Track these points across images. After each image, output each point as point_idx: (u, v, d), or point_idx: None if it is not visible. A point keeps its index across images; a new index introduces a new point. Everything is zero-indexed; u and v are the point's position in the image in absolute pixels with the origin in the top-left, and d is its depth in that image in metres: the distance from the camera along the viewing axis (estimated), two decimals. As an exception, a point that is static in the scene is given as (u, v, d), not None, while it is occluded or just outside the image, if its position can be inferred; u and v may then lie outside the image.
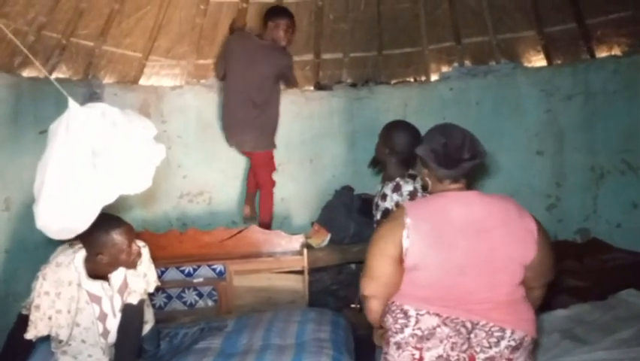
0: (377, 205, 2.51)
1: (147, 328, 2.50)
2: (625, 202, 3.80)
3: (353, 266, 3.87)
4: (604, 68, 3.81)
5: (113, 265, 2.14)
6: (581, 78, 3.87)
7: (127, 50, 3.73)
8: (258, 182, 3.82)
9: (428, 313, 1.61)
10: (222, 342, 2.59)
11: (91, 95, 3.51)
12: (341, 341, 2.56)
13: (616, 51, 3.85)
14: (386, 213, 2.40)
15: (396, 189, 2.43)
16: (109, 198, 1.73)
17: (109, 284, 2.19)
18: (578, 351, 2.35)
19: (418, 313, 1.62)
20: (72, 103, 1.66)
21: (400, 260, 1.63)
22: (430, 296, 1.62)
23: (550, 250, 1.69)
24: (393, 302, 1.69)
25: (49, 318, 2.07)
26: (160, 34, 3.75)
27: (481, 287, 1.61)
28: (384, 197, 2.46)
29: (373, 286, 1.70)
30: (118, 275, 2.21)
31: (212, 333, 2.70)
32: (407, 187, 2.43)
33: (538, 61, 4.07)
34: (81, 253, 2.12)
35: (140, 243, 2.26)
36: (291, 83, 3.86)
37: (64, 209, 1.69)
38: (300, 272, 3.38)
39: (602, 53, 3.90)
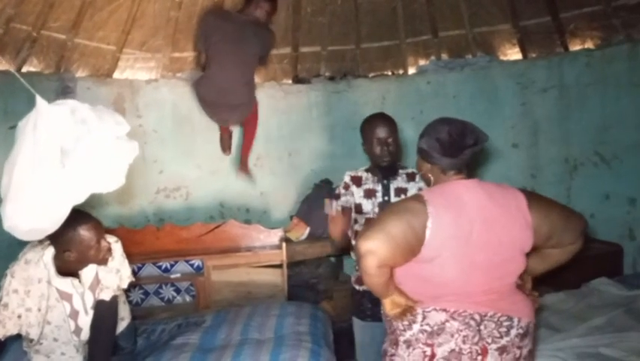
0: (388, 203, 2.33)
1: (124, 324, 2.46)
2: (598, 193, 3.88)
3: (332, 259, 3.89)
4: (577, 61, 3.88)
5: (82, 262, 2.09)
6: (555, 71, 3.92)
7: (100, 42, 3.66)
8: (245, 136, 3.85)
9: (435, 309, 1.57)
10: (200, 337, 2.57)
11: (63, 89, 3.44)
12: (320, 334, 2.56)
13: (589, 44, 3.91)
14: None
15: (411, 178, 2.38)
16: (79, 198, 1.68)
17: (79, 281, 2.14)
18: (553, 339, 2.39)
19: (424, 311, 1.57)
20: (40, 100, 1.61)
21: (416, 248, 1.54)
22: (439, 293, 1.57)
23: (553, 211, 1.66)
24: None
25: (19, 317, 2.01)
26: (134, 27, 3.69)
27: (490, 279, 1.57)
28: (402, 191, 2.35)
29: (378, 241, 1.50)
30: (89, 272, 2.16)
31: (190, 329, 2.68)
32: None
33: (514, 54, 4.12)
34: (50, 250, 2.06)
35: (112, 238, 2.20)
36: (267, 61, 3.86)
37: (32, 209, 1.65)
38: (279, 266, 3.37)
39: (575, 47, 3.96)
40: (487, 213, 1.56)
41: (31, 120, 1.64)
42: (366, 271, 1.55)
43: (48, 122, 1.62)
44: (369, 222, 1.70)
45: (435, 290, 1.57)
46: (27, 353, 2.18)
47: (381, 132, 2.31)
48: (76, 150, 1.64)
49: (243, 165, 3.84)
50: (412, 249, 1.54)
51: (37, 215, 1.66)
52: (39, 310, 2.05)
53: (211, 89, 3.53)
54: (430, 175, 1.71)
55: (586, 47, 3.91)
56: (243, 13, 3.58)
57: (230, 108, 3.64)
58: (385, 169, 2.35)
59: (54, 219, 1.71)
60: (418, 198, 1.60)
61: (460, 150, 1.61)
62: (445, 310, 1.56)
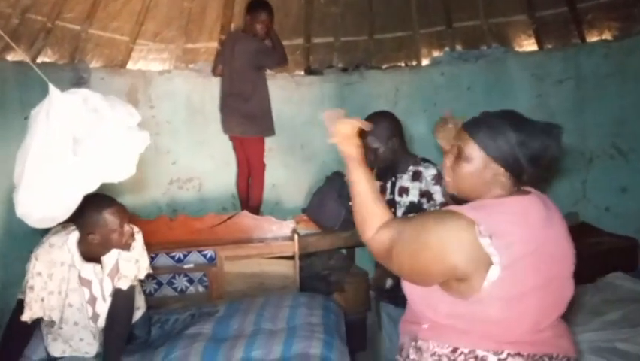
0: (393, 202, 2.27)
1: (139, 314, 2.49)
2: (614, 186, 3.83)
3: (344, 251, 3.89)
4: (594, 52, 3.82)
5: (105, 246, 2.12)
6: (572, 63, 3.87)
7: (114, 33, 3.67)
8: (249, 166, 3.81)
9: (509, 354, 1.25)
10: (213, 327, 2.58)
11: (77, 80, 3.45)
12: (332, 325, 2.56)
13: (606, 35, 3.85)
14: (412, 208, 2.21)
15: (416, 177, 2.24)
16: (90, 187, 1.70)
17: (101, 267, 2.18)
18: (567, 333, 2.37)
19: (499, 359, 1.25)
20: (52, 89, 1.62)
21: (458, 278, 1.25)
22: (504, 334, 1.26)
23: None
24: (456, 349, 1.28)
25: (42, 300, 2.05)
26: (147, 18, 3.69)
27: (554, 310, 1.33)
28: (404, 191, 2.25)
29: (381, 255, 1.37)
30: (110, 258, 2.20)
31: (203, 318, 2.69)
32: (430, 171, 2.23)
33: (529, 45, 4.07)
34: (75, 235, 2.11)
35: (134, 228, 2.24)
36: (272, 65, 3.79)
37: (44, 197, 1.67)
38: (291, 258, 3.38)
39: (592, 37, 3.89)
40: (552, 232, 1.31)
41: (44, 108, 1.65)
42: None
43: (60, 110, 1.63)
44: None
45: (502, 331, 1.27)
46: (45, 340, 2.21)
47: (368, 141, 2.19)
48: (88, 139, 1.65)
49: (251, 209, 3.75)
50: (447, 288, 1.29)
51: (48, 203, 1.68)
52: (59, 293, 2.09)
53: (222, 99, 3.76)
54: (488, 176, 1.33)
55: (604, 37, 3.85)
56: (244, 31, 3.65)
57: (228, 117, 3.72)
58: (389, 168, 2.25)
59: (65, 207, 1.73)
60: (465, 224, 1.23)
61: (544, 158, 1.32)
62: (519, 354, 1.26)
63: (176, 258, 3.33)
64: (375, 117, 2.23)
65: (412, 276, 1.33)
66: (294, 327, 2.52)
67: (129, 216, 2.18)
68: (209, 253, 3.34)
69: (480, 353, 1.26)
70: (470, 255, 1.21)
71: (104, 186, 1.71)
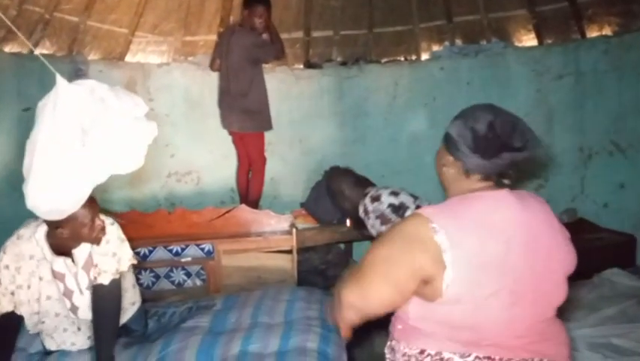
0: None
1: (135, 308, 2.46)
2: (612, 183, 3.83)
3: (342, 246, 3.89)
4: (594, 47, 3.81)
5: (75, 240, 2.02)
6: (572, 58, 3.86)
7: (112, 25, 3.66)
8: (250, 160, 3.81)
9: (478, 358, 1.22)
10: (211, 321, 2.58)
11: (76, 72, 3.45)
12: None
13: (606, 31, 3.84)
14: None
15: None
16: (99, 178, 1.68)
17: (72, 261, 2.09)
18: (564, 329, 2.38)
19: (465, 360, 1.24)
20: (60, 79, 1.61)
21: (426, 290, 1.23)
22: (473, 338, 1.23)
23: None
24: (424, 351, 1.27)
25: (12, 293, 2.00)
26: (146, 10, 3.68)
27: (533, 314, 1.26)
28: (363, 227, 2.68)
29: (359, 302, 1.29)
30: (82, 251, 2.09)
31: (201, 312, 2.69)
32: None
33: (529, 40, 4.06)
34: (43, 228, 2.00)
35: (108, 220, 2.12)
36: (269, 58, 3.75)
37: (53, 189, 1.66)
38: (289, 252, 3.38)
39: (592, 33, 3.89)
40: (527, 231, 1.24)
41: (51, 99, 1.64)
42: (345, 319, 1.33)
43: (68, 101, 1.62)
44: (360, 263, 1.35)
45: (466, 335, 1.24)
46: (40, 334, 2.20)
47: None
48: (96, 130, 1.64)
49: (250, 203, 3.74)
50: (416, 292, 1.26)
51: (58, 195, 1.67)
52: (29, 287, 2.02)
53: (220, 94, 3.72)
54: (445, 170, 1.34)
55: (603, 33, 3.84)
56: (242, 25, 3.62)
57: (227, 113, 3.69)
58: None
59: (75, 199, 1.72)
60: (416, 222, 1.23)
61: (498, 151, 1.24)
62: (489, 358, 1.23)
63: (174, 251, 3.33)
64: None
65: (388, 293, 1.27)
66: (292, 321, 2.52)
67: (99, 209, 2.05)
68: (207, 246, 3.34)
69: (446, 355, 1.24)
70: (429, 251, 1.19)
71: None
